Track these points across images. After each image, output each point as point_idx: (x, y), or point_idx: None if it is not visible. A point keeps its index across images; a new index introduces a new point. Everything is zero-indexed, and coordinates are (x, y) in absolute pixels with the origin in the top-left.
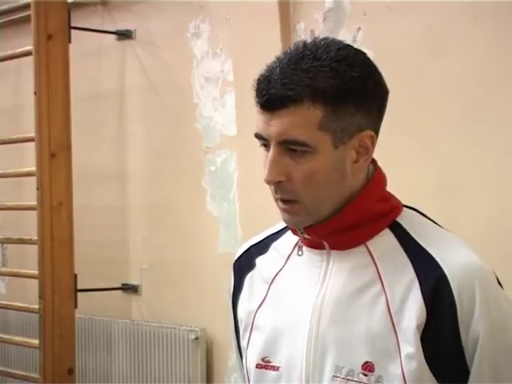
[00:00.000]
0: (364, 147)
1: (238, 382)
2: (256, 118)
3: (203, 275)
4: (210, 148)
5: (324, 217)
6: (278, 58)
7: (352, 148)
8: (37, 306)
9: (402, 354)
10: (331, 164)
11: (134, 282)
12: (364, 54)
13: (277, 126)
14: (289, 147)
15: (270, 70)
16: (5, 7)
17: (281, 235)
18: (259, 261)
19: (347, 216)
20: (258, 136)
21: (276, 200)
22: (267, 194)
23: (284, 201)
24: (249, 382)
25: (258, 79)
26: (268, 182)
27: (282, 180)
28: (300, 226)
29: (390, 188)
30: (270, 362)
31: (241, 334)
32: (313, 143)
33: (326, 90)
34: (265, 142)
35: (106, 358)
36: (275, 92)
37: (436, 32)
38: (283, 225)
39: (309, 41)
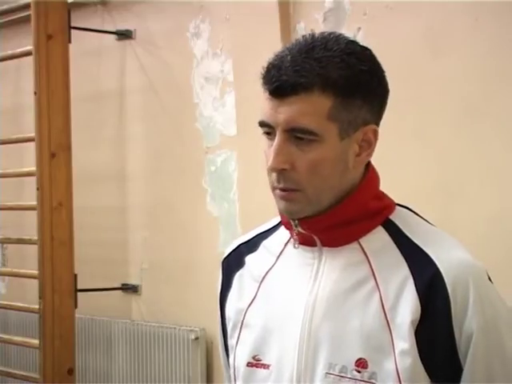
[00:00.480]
0: (367, 141)
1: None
2: (262, 106)
3: (203, 275)
4: (210, 148)
5: (323, 208)
6: (287, 48)
7: (355, 141)
8: (37, 306)
9: (396, 351)
10: (336, 155)
11: (134, 282)
12: (370, 50)
13: (285, 113)
14: (295, 135)
15: (280, 58)
16: (5, 7)
17: (271, 233)
18: (249, 259)
19: (342, 211)
20: (262, 124)
21: (274, 189)
22: (267, 193)
23: (284, 189)
24: (235, 381)
25: (267, 67)
26: (272, 170)
27: (286, 168)
28: (297, 216)
29: (390, 187)
30: (260, 360)
31: (229, 332)
32: (320, 132)
33: (336, 80)
34: (269, 129)
35: (106, 358)
36: (287, 79)
37: (436, 32)
38: (273, 223)
39: (316, 34)
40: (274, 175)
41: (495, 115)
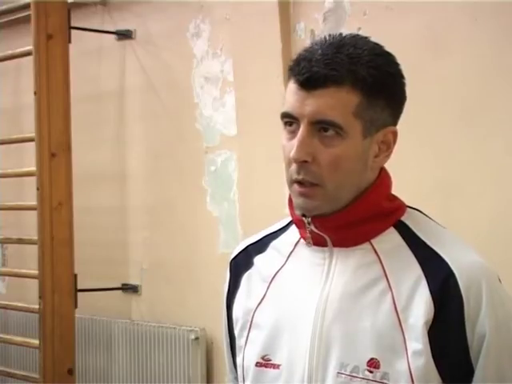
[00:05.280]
0: (386, 143)
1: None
2: (286, 98)
3: (203, 275)
4: (209, 148)
5: (340, 207)
6: (316, 43)
7: (376, 142)
8: (37, 306)
9: (409, 351)
10: (358, 153)
11: (133, 281)
12: (394, 56)
13: (312, 105)
14: (321, 128)
15: (310, 51)
16: (5, 7)
17: (280, 234)
18: (257, 260)
19: (355, 210)
20: (286, 115)
21: (292, 183)
22: (267, 193)
23: (303, 184)
24: (244, 382)
25: (297, 59)
26: (295, 160)
27: (308, 160)
28: (314, 213)
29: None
30: (270, 360)
31: (237, 333)
32: (346, 127)
33: (365, 78)
34: (292, 121)
35: (106, 358)
36: (318, 70)
37: (436, 32)
38: (282, 224)
39: (344, 34)
40: (294, 167)
41: (495, 115)
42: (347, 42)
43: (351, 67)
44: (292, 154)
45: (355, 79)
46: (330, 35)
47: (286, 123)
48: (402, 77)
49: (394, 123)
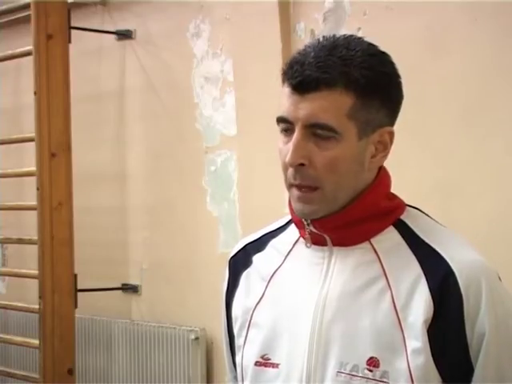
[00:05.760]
0: (383, 144)
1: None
2: (281, 102)
3: (203, 275)
4: (209, 148)
5: (337, 208)
6: (309, 46)
7: (372, 143)
8: (37, 306)
9: (409, 350)
10: (354, 154)
11: (134, 281)
12: (389, 55)
13: (306, 108)
14: (314, 132)
15: (303, 54)
16: (5, 7)
17: (279, 233)
18: (256, 258)
19: (354, 210)
20: (281, 119)
21: (290, 187)
22: (267, 193)
23: (302, 188)
24: (243, 381)
25: (290, 62)
26: (290, 165)
27: (304, 163)
28: (313, 216)
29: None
30: (269, 359)
31: (236, 332)
32: (340, 130)
33: (358, 79)
34: (287, 125)
35: (106, 358)
36: (310, 74)
37: (436, 32)
38: (281, 223)
39: (338, 35)
40: (291, 171)
41: (495, 115)
42: (340, 44)
43: (344, 69)
44: (287, 158)
45: (348, 81)
46: (323, 37)
47: (281, 127)
48: (397, 76)
49: (391, 123)
